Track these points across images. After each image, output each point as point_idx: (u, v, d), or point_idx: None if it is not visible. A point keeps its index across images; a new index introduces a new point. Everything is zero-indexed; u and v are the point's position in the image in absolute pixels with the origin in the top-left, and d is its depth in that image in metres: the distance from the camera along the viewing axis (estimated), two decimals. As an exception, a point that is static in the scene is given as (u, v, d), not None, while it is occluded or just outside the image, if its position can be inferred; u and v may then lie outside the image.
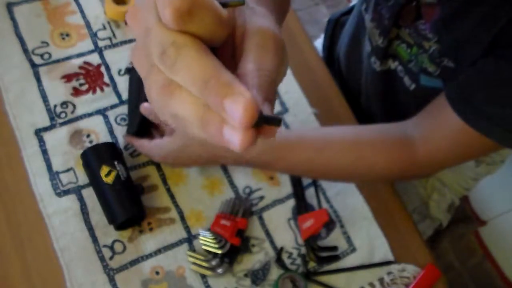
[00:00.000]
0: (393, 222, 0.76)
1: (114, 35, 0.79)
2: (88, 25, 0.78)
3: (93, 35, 0.78)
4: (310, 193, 0.74)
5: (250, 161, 0.65)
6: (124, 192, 0.64)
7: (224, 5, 0.26)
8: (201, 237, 0.67)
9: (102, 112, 0.73)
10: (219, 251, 0.66)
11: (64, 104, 0.72)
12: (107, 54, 0.77)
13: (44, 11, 0.77)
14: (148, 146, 0.67)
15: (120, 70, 0.76)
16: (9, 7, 0.76)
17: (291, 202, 0.74)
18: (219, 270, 0.66)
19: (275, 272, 0.68)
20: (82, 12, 0.79)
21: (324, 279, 0.69)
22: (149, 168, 0.71)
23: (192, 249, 0.67)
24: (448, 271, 1.63)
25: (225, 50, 0.28)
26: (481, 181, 0.96)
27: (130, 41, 0.79)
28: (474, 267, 1.65)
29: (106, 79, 0.75)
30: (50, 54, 0.74)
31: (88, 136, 0.71)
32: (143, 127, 0.69)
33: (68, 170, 0.68)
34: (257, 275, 0.68)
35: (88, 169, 0.66)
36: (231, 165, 0.73)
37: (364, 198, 0.76)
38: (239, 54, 0.28)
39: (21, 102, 0.70)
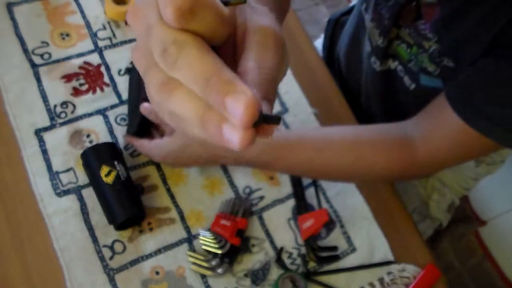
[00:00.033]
0: (393, 222, 0.76)
1: (114, 35, 0.79)
2: (88, 25, 0.78)
3: (93, 35, 0.78)
4: (310, 193, 0.74)
5: (250, 161, 0.65)
6: (124, 192, 0.64)
7: (226, 3, 0.26)
8: (201, 237, 0.67)
9: (102, 112, 0.73)
10: (219, 251, 0.66)
11: (64, 104, 0.72)
12: (107, 54, 0.77)
13: (44, 11, 0.77)
14: (148, 146, 0.67)
15: (120, 70, 0.77)
16: (9, 7, 0.76)
17: (291, 202, 0.74)
18: (219, 270, 0.66)
19: (275, 272, 0.68)
20: (82, 12, 0.79)
21: (324, 279, 0.69)
22: (149, 168, 0.71)
23: (192, 249, 0.67)
24: (448, 271, 1.63)
25: (226, 49, 0.28)
26: (481, 181, 0.96)
27: (130, 41, 0.79)
28: (474, 267, 1.65)
29: (106, 79, 0.75)
30: (50, 54, 0.74)
31: (88, 136, 0.71)
32: (143, 127, 0.69)
33: (68, 170, 0.68)
34: (257, 275, 0.68)
35: (88, 169, 0.66)
36: (231, 165, 0.73)
37: (364, 198, 0.76)
38: (239, 53, 0.28)
39: (21, 102, 0.70)
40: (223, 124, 0.23)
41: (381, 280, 0.71)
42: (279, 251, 0.70)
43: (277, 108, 0.80)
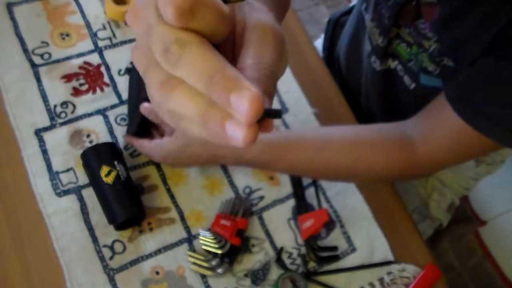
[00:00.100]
0: (393, 222, 0.76)
1: (114, 35, 0.79)
2: (88, 25, 0.78)
3: (93, 35, 0.78)
4: (310, 193, 0.74)
5: (250, 161, 0.65)
6: (124, 192, 0.64)
7: (225, 1, 0.26)
8: (201, 237, 0.67)
9: (102, 112, 0.73)
10: (219, 251, 0.66)
11: (64, 104, 0.72)
12: (107, 54, 0.77)
13: (44, 11, 0.77)
14: (148, 146, 0.67)
15: (120, 70, 0.77)
16: (9, 7, 0.76)
17: (291, 202, 0.74)
18: (219, 270, 0.66)
19: (275, 272, 0.68)
20: (82, 12, 0.79)
21: (324, 279, 0.69)
22: (149, 168, 0.71)
23: (192, 249, 0.67)
24: (448, 271, 1.63)
25: (225, 46, 0.28)
26: (481, 181, 0.96)
27: (130, 41, 0.79)
28: (474, 267, 1.65)
29: (106, 79, 0.75)
30: (50, 54, 0.74)
31: (88, 136, 0.71)
32: (143, 127, 0.69)
33: (68, 170, 0.68)
34: (257, 275, 0.68)
35: (88, 169, 0.66)
36: (231, 165, 0.73)
37: (364, 198, 0.76)
38: (238, 49, 0.28)
39: (21, 102, 0.70)
40: (226, 121, 0.23)
41: (381, 280, 0.71)
42: (279, 251, 0.70)
43: (277, 108, 0.80)
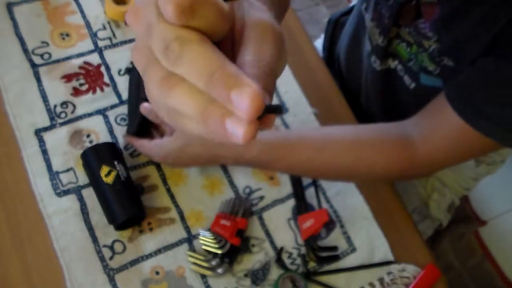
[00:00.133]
0: (393, 222, 0.76)
1: (114, 35, 0.79)
2: (88, 25, 0.78)
3: (93, 35, 0.78)
4: (310, 193, 0.74)
5: (250, 161, 0.65)
6: (124, 192, 0.64)
7: None
8: (201, 237, 0.67)
9: (102, 112, 0.73)
10: (219, 251, 0.66)
11: (64, 104, 0.72)
12: (107, 54, 0.77)
13: (44, 11, 0.77)
14: (148, 146, 0.67)
15: (120, 70, 0.77)
16: (9, 7, 0.76)
17: (291, 202, 0.74)
18: (219, 270, 0.66)
19: (275, 272, 0.68)
20: (82, 12, 0.79)
21: (324, 279, 0.69)
22: (149, 168, 0.71)
23: (192, 249, 0.67)
24: (448, 271, 1.63)
25: (225, 44, 0.28)
26: (481, 181, 0.96)
27: (130, 41, 0.79)
28: (474, 267, 1.65)
29: (106, 79, 0.75)
30: (50, 54, 0.74)
31: (88, 136, 0.71)
32: (143, 127, 0.69)
33: (68, 170, 0.68)
34: (257, 275, 0.68)
35: (88, 169, 0.66)
36: (231, 165, 0.73)
37: (364, 198, 0.76)
38: (237, 47, 0.28)
39: (21, 102, 0.70)
40: (226, 118, 0.23)
41: (381, 280, 0.71)
42: (279, 251, 0.70)
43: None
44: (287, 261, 0.70)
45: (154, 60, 0.24)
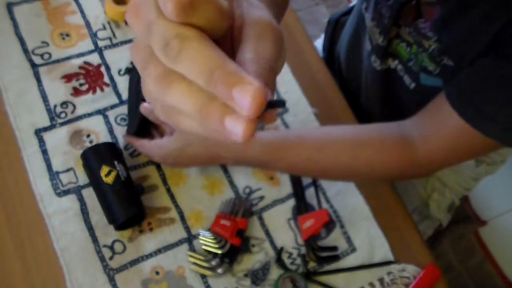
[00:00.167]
0: (393, 222, 0.76)
1: (114, 35, 0.79)
2: (88, 25, 0.78)
3: (93, 35, 0.78)
4: (310, 193, 0.74)
5: (250, 161, 0.65)
6: (124, 192, 0.64)
7: None
8: (201, 237, 0.67)
9: (102, 112, 0.73)
10: (219, 251, 0.66)
11: (64, 104, 0.72)
12: (107, 54, 0.77)
13: (44, 11, 0.77)
14: (148, 146, 0.67)
15: (120, 70, 0.77)
16: (9, 7, 0.76)
17: (291, 202, 0.74)
18: (219, 270, 0.66)
19: (275, 272, 0.68)
20: (82, 12, 0.79)
21: (324, 279, 0.69)
22: (149, 168, 0.71)
23: (192, 249, 0.67)
24: (448, 271, 1.63)
25: (224, 42, 0.28)
26: (481, 181, 0.96)
27: (130, 41, 0.79)
28: (474, 267, 1.65)
29: (106, 79, 0.75)
30: (50, 54, 0.74)
31: (88, 136, 0.71)
32: (143, 127, 0.69)
33: (68, 170, 0.68)
34: (257, 275, 0.67)
35: (88, 169, 0.66)
36: (231, 165, 0.73)
37: (364, 198, 0.76)
38: (237, 45, 0.28)
39: (21, 102, 0.70)
40: (226, 116, 0.23)
41: (381, 280, 0.71)
42: (279, 251, 0.70)
43: (277, 108, 0.80)
44: (287, 261, 0.70)
45: (153, 57, 0.24)
